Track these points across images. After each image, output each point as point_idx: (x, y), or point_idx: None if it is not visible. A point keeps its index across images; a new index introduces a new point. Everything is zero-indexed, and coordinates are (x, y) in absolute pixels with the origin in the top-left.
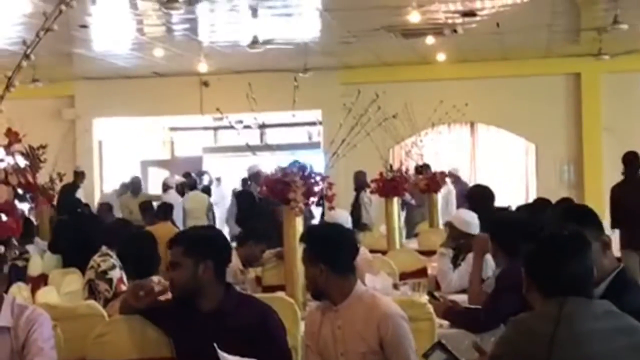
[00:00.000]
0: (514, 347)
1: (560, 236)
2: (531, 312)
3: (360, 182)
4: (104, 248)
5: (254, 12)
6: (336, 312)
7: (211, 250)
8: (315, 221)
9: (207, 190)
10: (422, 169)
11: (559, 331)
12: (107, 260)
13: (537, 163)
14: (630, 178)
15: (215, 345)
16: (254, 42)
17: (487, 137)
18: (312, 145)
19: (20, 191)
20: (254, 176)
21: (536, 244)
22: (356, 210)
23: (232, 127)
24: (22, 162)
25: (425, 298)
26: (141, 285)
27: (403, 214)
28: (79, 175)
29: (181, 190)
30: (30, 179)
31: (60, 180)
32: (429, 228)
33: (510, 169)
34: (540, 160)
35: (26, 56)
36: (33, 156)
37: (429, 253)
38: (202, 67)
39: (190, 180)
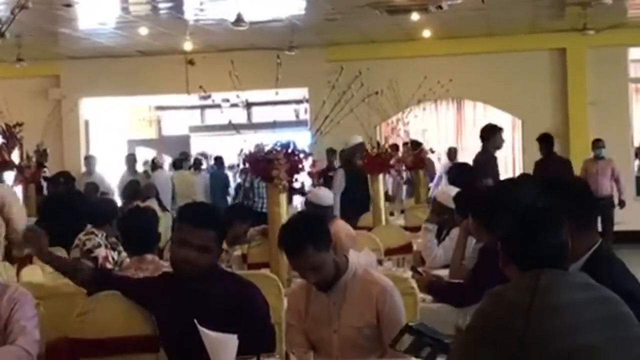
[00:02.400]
0: (491, 319)
1: (534, 209)
2: (508, 284)
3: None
4: (89, 226)
5: None
6: (330, 290)
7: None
8: None
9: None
10: (416, 145)
11: (535, 302)
12: (92, 238)
13: (524, 138)
14: (548, 155)
15: (196, 321)
16: (239, 20)
17: (473, 113)
18: (299, 124)
19: None
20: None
21: (511, 218)
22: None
23: (218, 106)
24: None
25: (408, 273)
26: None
27: (404, 189)
28: (42, 154)
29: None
30: (6, 156)
31: (41, 157)
32: (415, 204)
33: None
34: (527, 136)
35: (1, 34)
36: (10, 134)
37: (415, 229)
38: (188, 45)
39: (177, 160)
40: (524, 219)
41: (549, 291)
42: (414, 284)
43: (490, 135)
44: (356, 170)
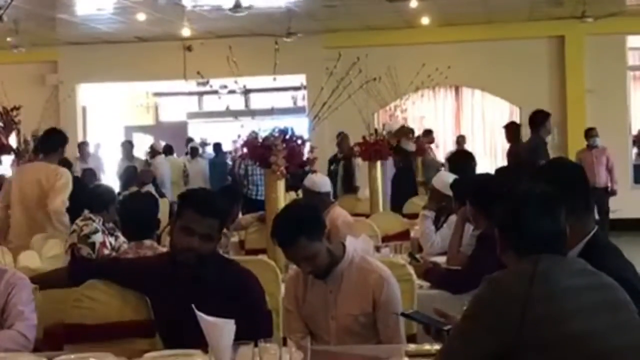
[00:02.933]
0: (488, 305)
1: (531, 195)
2: (506, 270)
3: (348, 148)
4: (86, 212)
5: None
6: (327, 278)
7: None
8: None
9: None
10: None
11: (533, 288)
12: (90, 224)
13: (522, 126)
14: (515, 142)
15: (193, 306)
16: (237, 6)
17: (471, 100)
18: (297, 110)
19: None
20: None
21: (508, 203)
22: (348, 176)
23: (216, 92)
24: None
25: (406, 260)
26: None
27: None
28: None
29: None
30: (4, 140)
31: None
32: None
33: (495, 132)
34: (525, 124)
35: None
36: (7, 117)
37: (413, 216)
38: (185, 31)
39: (167, 147)
40: (521, 205)
41: (547, 277)
42: (411, 270)
43: (544, 120)
44: (407, 153)
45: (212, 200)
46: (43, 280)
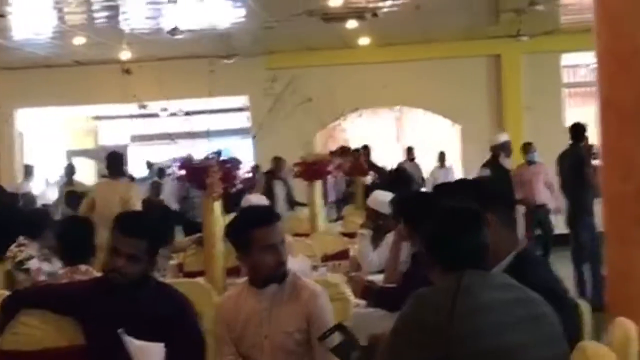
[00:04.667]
0: (415, 321)
1: (454, 210)
2: (431, 286)
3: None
4: (21, 238)
5: None
6: (260, 295)
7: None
8: None
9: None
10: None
11: (457, 303)
12: (24, 250)
13: (462, 144)
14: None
15: (121, 330)
16: (175, 29)
17: (412, 118)
18: (241, 132)
19: None
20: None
21: (432, 221)
22: (290, 194)
23: (156, 115)
24: None
25: (341, 278)
26: None
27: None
28: None
29: None
30: None
31: None
32: (353, 210)
33: (437, 150)
34: (465, 141)
35: None
36: None
37: (353, 235)
38: (124, 54)
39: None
40: (444, 222)
41: (470, 292)
42: (345, 289)
43: None
44: (503, 170)
45: (137, 220)
46: None
